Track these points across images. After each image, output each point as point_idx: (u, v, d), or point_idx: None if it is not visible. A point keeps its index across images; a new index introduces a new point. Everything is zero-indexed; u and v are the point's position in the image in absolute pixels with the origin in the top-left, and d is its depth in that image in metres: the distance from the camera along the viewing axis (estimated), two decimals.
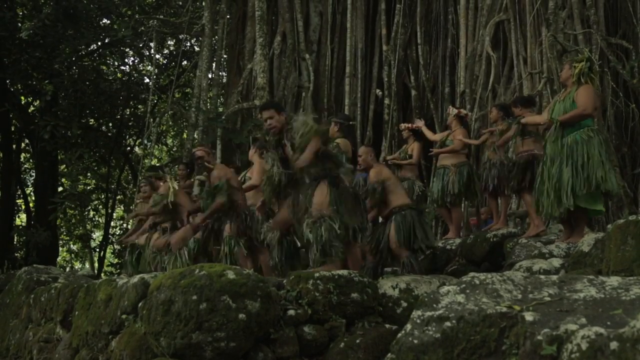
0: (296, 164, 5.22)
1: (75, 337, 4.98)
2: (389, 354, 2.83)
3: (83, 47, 15.46)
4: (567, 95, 5.95)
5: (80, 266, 24.52)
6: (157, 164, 8.36)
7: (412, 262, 5.99)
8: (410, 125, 9.15)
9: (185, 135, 17.19)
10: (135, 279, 4.46)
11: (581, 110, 5.76)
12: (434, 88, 14.09)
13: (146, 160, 14.77)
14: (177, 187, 7.82)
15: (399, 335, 2.80)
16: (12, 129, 17.15)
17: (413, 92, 13.83)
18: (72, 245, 23.54)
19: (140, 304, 4.25)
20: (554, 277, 2.90)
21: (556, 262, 5.27)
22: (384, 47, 14.07)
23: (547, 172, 5.91)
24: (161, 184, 8.39)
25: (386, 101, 13.47)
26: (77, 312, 5.17)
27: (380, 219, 6.39)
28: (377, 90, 14.12)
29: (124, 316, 4.36)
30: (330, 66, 14.41)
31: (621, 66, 10.95)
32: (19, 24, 13.47)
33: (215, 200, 6.51)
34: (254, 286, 3.83)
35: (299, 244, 5.80)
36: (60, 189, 17.83)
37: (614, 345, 1.98)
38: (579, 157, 5.70)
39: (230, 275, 3.82)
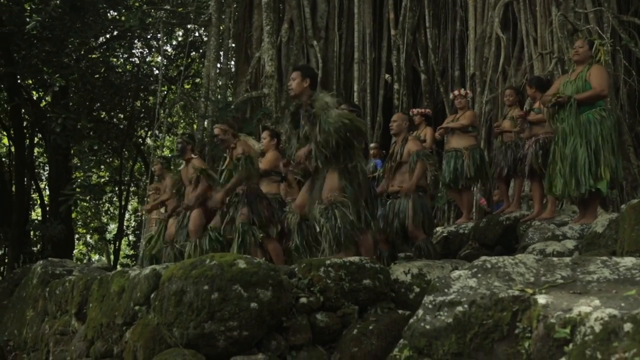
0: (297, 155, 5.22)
1: (90, 329, 5.01)
2: (402, 340, 2.82)
3: (92, 39, 15.47)
4: (579, 75, 5.87)
5: (97, 258, 24.73)
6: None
7: (428, 246, 5.97)
8: (422, 110, 9.09)
9: (195, 126, 17.22)
10: (147, 270, 4.47)
11: (599, 90, 5.71)
12: (444, 71, 14.00)
13: (157, 151, 14.81)
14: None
15: (411, 320, 2.78)
16: (25, 124, 17.25)
17: (422, 76, 13.75)
18: (88, 238, 23.72)
19: (152, 295, 4.26)
20: (567, 259, 2.86)
21: (570, 244, 5.23)
22: (392, 32, 13.99)
23: (559, 152, 5.83)
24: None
25: (395, 86, 13.41)
26: (91, 305, 5.20)
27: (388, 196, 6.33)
28: (387, 75, 14.05)
29: (136, 307, 4.37)
30: (338, 52, 14.36)
31: (633, 44, 10.80)
32: (27, 19, 13.49)
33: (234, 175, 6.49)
34: (265, 275, 3.82)
35: (317, 229, 5.75)
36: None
37: (627, 326, 1.95)
38: (593, 138, 5.64)
39: (241, 264, 3.81)
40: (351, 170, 5.12)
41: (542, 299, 2.39)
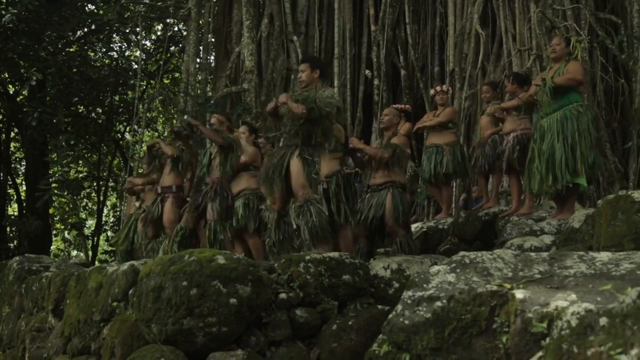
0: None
1: (67, 325, 4.95)
2: (381, 335, 2.83)
3: (69, 33, 15.28)
4: (557, 72, 5.92)
5: (75, 254, 24.50)
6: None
7: (408, 242, 5.98)
8: (402, 106, 9.12)
9: (175, 121, 17.10)
10: (125, 266, 4.44)
11: (576, 75, 5.76)
12: (423, 67, 14.04)
13: (136, 147, 14.69)
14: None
15: (390, 316, 2.78)
16: (0, 118, 17.01)
17: (402, 72, 13.77)
18: (67, 234, 23.48)
19: (130, 291, 4.23)
20: (544, 254, 2.88)
21: (547, 239, 5.28)
22: (373, 28, 13.99)
23: (537, 148, 5.89)
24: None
25: (375, 82, 13.42)
26: (68, 301, 5.14)
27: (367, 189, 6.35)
28: (366, 71, 14.05)
29: (114, 304, 4.34)
30: (318, 48, 14.31)
31: (610, 41, 10.90)
32: (3, 11, 13.28)
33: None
34: (244, 271, 3.81)
35: (294, 226, 5.76)
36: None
37: (603, 321, 1.97)
38: (569, 134, 5.69)
39: (220, 260, 3.80)
40: (313, 159, 5.13)
41: (519, 294, 2.40)
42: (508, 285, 2.51)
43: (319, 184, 5.19)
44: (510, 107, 6.97)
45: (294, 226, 5.13)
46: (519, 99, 6.58)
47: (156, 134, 21.64)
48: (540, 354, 2.16)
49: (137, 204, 8.86)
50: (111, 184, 21.22)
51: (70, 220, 21.71)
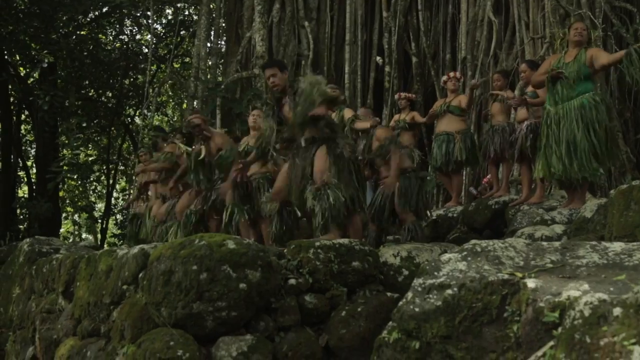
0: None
1: (77, 307, 4.98)
2: (391, 322, 2.81)
3: (81, 16, 15.28)
4: (577, 58, 5.86)
5: (85, 236, 24.65)
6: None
7: (417, 228, 5.97)
8: (409, 95, 9.09)
9: (185, 105, 17.11)
10: (135, 249, 4.44)
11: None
12: (435, 55, 13.95)
13: (146, 131, 14.71)
14: (188, 149, 7.77)
15: (400, 303, 2.77)
16: (12, 100, 17.06)
17: (414, 59, 13.70)
18: (77, 217, 23.61)
19: (140, 275, 4.24)
20: (556, 244, 2.86)
21: (558, 229, 5.25)
22: (384, 14, 13.90)
23: (554, 134, 5.81)
24: (165, 145, 8.32)
25: (387, 68, 13.35)
26: (78, 283, 5.17)
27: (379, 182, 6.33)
28: (378, 58, 13.98)
29: (124, 287, 4.36)
30: (330, 34, 14.25)
31: (625, 30, 10.79)
32: None
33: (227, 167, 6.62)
34: (254, 256, 3.81)
35: (299, 214, 5.76)
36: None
37: (617, 311, 1.95)
38: (590, 123, 5.64)
39: (231, 244, 3.80)
40: (338, 149, 5.11)
41: (531, 283, 2.38)
42: (520, 274, 2.50)
43: None
44: (536, 103, 6.89)
45: (299, 214, 5.14)
46: (532, 85, 6.53)
47: (166, 118, 21.68)
48: (551, 343, 2.14)
49: (150, 193, 8.89)
50: (121, 167, 21.29)
51: (80, 203, 21.82)
